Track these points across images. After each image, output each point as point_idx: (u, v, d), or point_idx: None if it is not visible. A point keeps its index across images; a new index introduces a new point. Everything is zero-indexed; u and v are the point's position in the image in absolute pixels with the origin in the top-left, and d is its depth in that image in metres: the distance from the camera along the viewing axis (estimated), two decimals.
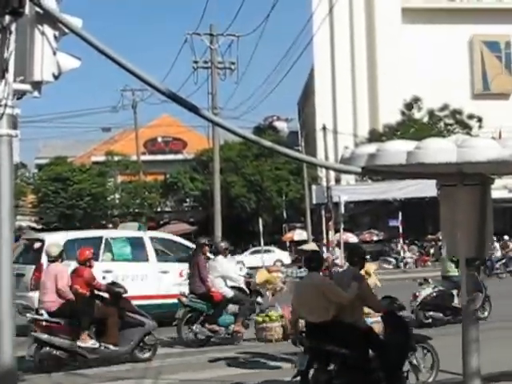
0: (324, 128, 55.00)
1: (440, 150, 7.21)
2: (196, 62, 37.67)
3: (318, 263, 9.89)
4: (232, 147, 63.46)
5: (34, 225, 69.49)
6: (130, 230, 20.63)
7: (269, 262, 48.38)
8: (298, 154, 7.46)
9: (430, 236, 52.27)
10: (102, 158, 67.90)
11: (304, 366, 9.36)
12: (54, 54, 6.34)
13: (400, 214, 47.73)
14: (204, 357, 13.91)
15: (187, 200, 68.08)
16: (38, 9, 6.22)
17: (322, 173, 59.01)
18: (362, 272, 12.68)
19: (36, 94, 6.40)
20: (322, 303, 9.30)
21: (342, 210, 44.49)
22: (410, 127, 58.05)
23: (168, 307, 17.36)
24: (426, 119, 61.60)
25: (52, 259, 13.96)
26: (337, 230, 46.26)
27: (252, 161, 62.08)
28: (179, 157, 70.33)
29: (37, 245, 17.94)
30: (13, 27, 6.13)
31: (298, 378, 9.48)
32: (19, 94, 6.44)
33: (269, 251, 53.07)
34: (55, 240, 16.45)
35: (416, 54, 66.77)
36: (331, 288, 9.41)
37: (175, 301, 16.26)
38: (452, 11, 70.15)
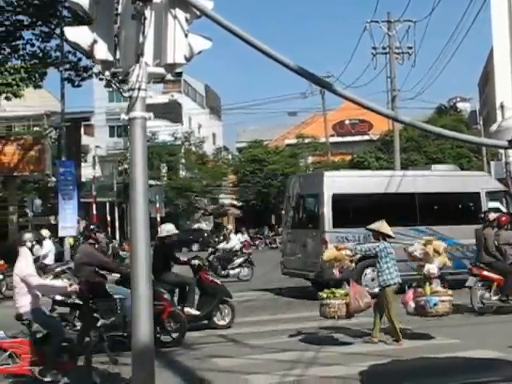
0: (502, 106, 52.31)
1: None
2: (375, 49, 36.89)
3: None
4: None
5: (234, 202, 71.13)
6: None
7: None
8: (441, 129, 6.69)
9: None
10: (293, 141, 68.42)
11: None
12: (186, 36, 5.96)
13: None
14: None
15: None
16: None
17: (502, 149, 56.52)
18: (431, 250, 12.04)
19: (169, 76, 6.04)
20: None
21: None
22: None
23: None
24: None
25: None
26: None
27: (434, 140, 60.28)
28: (365, 138, 69.76)
29: None
30: (147, 13, 5.78)
31: None
32: (157, 78, 6.11)
33: None
34: None
35: None
36: None
37: None
38: None
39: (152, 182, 50.54)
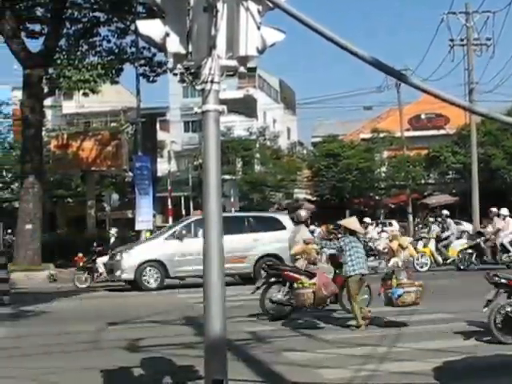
0: None
1: None
2: (452, 41, 36.44)
3: None
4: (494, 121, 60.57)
5: (309, 197, 71.04)
6: None
7: None
8: None
9: None
10: (369, 135, 67.95)
11: None
12: (258, 28, 5.94)
13: None
14: None
15: (449, 173, 66.21)
16: None
17: None
18: (395, 245, 13.26)
19: (242, 69, 6.03)
20: None
21: None
22: None
23: None
24: None
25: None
26: None
27: None
28: (441, 132, 68.67)
29: None
30: (219, 5, 5.80)
31: None
32: (230, 71, 6.11)
33: None
34: None
35: None
36: None
37: None
38: None
39: (227, 177, 50.94)
